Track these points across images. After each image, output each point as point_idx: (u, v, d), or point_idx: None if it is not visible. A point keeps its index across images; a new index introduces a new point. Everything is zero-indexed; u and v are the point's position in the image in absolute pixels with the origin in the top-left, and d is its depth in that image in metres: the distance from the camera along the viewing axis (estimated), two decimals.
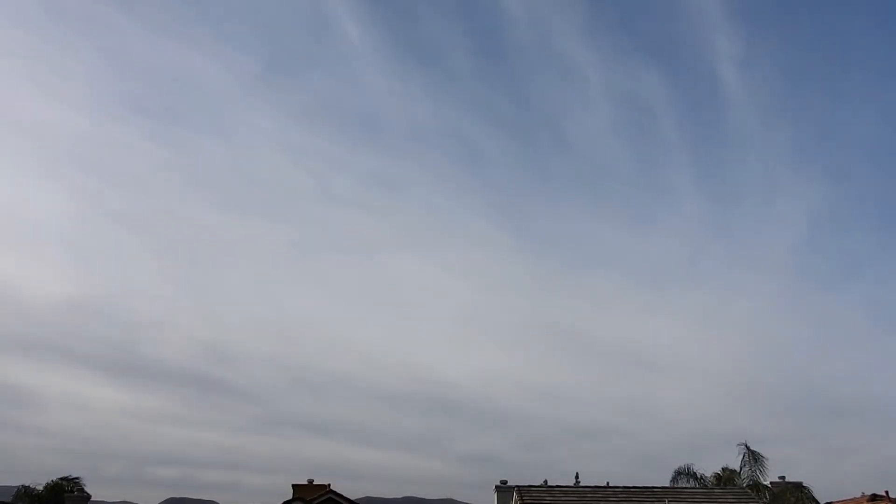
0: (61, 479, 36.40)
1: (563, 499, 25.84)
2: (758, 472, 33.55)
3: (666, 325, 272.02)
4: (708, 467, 35.41)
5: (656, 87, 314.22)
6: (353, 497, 31.11)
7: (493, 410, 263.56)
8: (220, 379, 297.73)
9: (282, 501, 28.94)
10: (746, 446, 34.38)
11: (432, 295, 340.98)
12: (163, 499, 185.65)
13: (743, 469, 34.01)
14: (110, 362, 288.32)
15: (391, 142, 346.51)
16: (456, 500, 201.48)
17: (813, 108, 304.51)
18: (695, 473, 34.49)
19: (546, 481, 28.97)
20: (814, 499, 31.58)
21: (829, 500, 37.67)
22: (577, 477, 35.26)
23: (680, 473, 34.55)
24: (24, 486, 35.90)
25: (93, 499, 36.00)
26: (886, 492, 36.11)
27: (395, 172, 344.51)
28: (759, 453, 34.19)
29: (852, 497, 38.79)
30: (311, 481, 33.03)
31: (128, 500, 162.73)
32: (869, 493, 37.46)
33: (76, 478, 36.95)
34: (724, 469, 34.82)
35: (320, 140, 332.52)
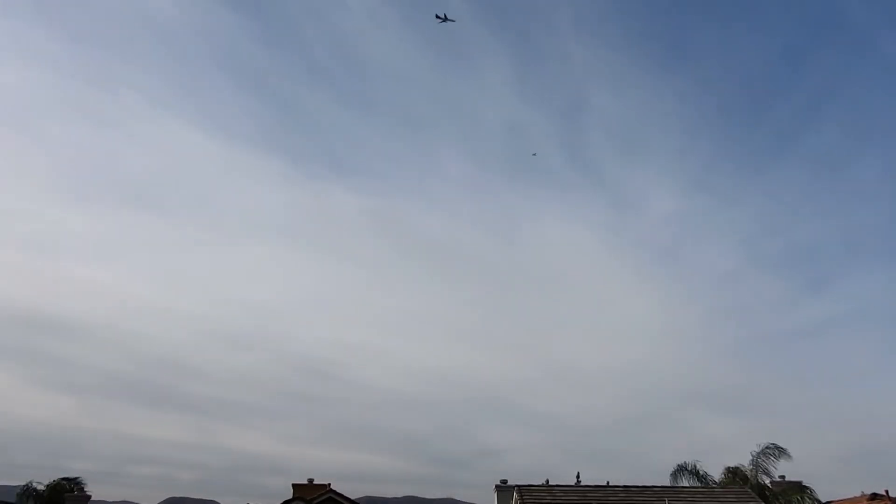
0: (62, 478, 36.49)
1: (563, 498, 25.83)
2: (767, 471, 33.15)
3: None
4: (711, 466, 35.28)
5: None
6: (353, 497, 31.16)
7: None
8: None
9: (282, 501, 29.00)
10: (775, 446, 33.64)
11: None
12: (163, 498, 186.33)
13: (752, 468, 33.56)
14: None
15: None
16: (456, 500, 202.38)
17: None
18: (697, 472, 34.28)
19: (547, 480, 29.02)
20: (816, 499, 31.48)
21: (829, 500, 37.66)
22: (577, 476, 35.23)
23: (682, 469, 34.22)
24: (28, 485, 35.98)
25: (93, 498, 36.07)
26: (886, 491, 36.09)
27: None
28: (784, 449, 33.32)
29: (852, 496, 38.78)
30: (311, 481, 33.10)
31: (128, 499, 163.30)
32: (869, 492, 37.45)
33: (77, 478, 37.08)
34: (728, 468, 34.68)
35: None
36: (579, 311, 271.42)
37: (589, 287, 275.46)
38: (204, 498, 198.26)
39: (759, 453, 33.63)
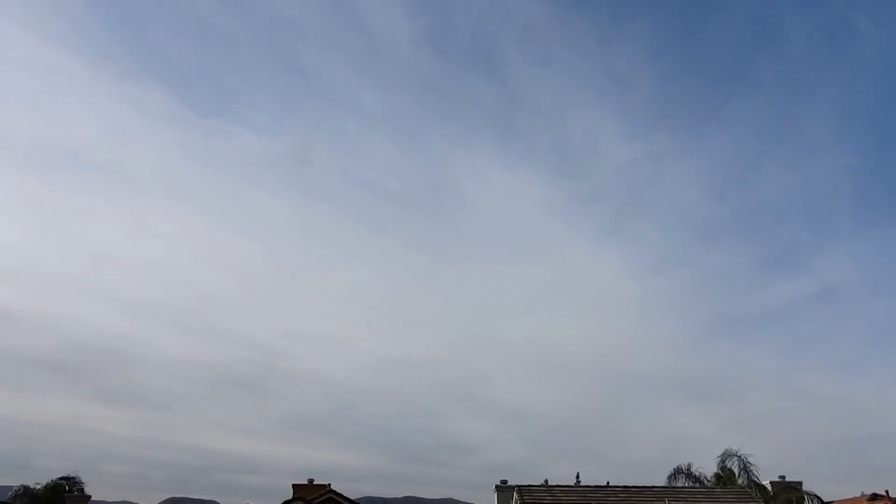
0: (61, 478, 36.44)
1: (563, 498, 25.80)
2: (753, 475, 33.08)
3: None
4: (702, 463, 35.21)
5: None
6: (353, 497, 31.17)
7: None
8: None
9: (282, 501, 28.97)
10: (740, 457, 33.22)
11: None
12: (163, 499, 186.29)
13: (740, 475, 33.55)
14: None
15: None
16: (456, 500, 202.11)
17: None
18: (692, 473, 34.25)
19: (546, 481, 29.02)
20: (818, 497, 31.42)
21: (829, 500, 37.68)
22: (577, 476, 35.31)
23: (678, 472, 34.28)
24: (23, 486, 35.90)
25: (93, 499, 36.01)
26: (886, 491, 36.15)
27: None
28: (747, 458, 32.98)
29: (852, 497, 38.82)
30: (311, 481, 33.10)
31: (128, 500, 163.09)
32: (869, 492, 37.49)
33: (75, 478, 37.03)
34: (722, 469, 34.66)
35: None
36: (539, 287, 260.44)
37: (546, 256, 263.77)
38: (204, 498, 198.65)
39: (741, 457, 33.53)
